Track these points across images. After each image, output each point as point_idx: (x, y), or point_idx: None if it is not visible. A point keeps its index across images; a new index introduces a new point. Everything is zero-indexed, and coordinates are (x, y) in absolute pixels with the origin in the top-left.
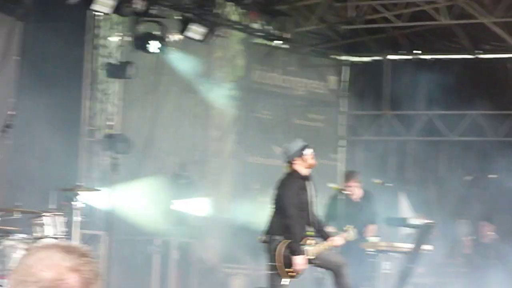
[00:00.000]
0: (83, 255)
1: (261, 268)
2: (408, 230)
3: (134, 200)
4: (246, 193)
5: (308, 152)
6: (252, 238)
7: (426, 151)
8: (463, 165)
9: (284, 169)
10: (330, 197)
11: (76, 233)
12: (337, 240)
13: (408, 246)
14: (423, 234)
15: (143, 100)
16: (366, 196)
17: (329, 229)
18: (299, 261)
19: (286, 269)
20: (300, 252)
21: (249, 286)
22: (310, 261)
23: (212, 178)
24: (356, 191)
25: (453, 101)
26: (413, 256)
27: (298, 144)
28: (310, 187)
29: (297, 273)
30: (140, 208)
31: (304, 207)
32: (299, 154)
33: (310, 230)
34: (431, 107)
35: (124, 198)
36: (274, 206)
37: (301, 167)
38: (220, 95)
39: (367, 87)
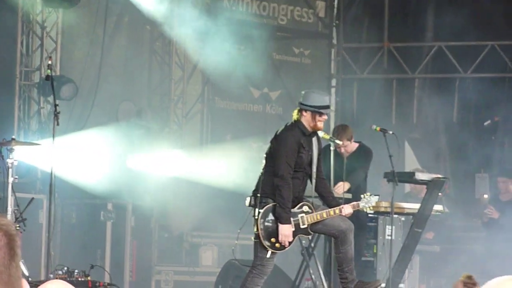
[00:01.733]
0: None
1: (235, 237)
2: (413, 187)
3: (81, 156)
4: (217, 145)
5: (324, 115)
6: (225, 201)
7: (435, 91)
8: (479, 108)
9: (294, 116)
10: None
11: (9, 196)
12: (345, 209)
13: (414, 206)
14: (432, 192)
15: (88, 33)
16: (358, 150)
17: (344, 186)
18: (283, 230)
19: (270, 239)
20: (286, 220)
21: (221, 258)
22: (306, 230)
23: (175, 128)
24: (348, 147)
25: (466, 29)
26: (420, 218)
27: (322, 98)
28: (315, 146)
29: (281, 245)
30: (89, 165)
31: (303, 167)
32: (315, 110)
33: (308, 196)
34: (440, 37)
35: (69, 154)
36: (268, 161)
37: (307, 123)
38: (184, 26)
39: (363, 14)
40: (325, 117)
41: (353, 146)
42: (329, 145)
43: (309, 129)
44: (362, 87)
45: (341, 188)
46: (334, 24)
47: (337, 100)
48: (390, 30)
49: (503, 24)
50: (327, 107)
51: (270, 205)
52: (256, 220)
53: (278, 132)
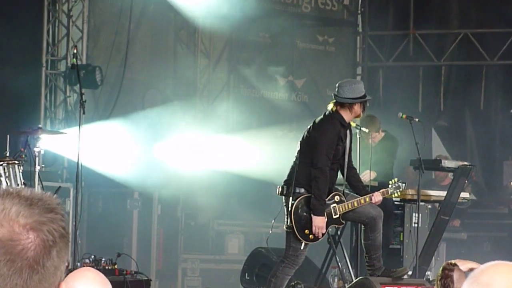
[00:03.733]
0: (47, 210)
1: (261, 225)
2: (437, 175)
3: (108, 144)
4: (243, 134)
5: (361, 104)
6: (251, 189)
7: (461, 78)
8: (507, 95)
9: (329, 107)
10: None
11: (36, 186)
12: (375, 197)
13: (441, 194)
14: (458, 179)
15: (114, 22)
16: (384, 139)
17: (371, 175)
18: (317, 222)
19: (304, 231)
20: (320, 212)
21: (248, 246)
22: (339, 220)
23: (201, 116)
24: (376, 138)
25: (492, 16)
26: (447, 206)
27: (359, 88)
28: (348, 136)
29: (315, 237)
30: (115, 154)
31: (338, 159)
32: (353, 102)
33: (339, 185)
34: (466, 24)
35: (95, 143)
36: (304, 151)
37: (346, 114)
38: (209, 15)
39: (388, 1)
40: (366, 104)
41: (380, 135)
42: (355, 133)
43: (347, 120)
44: (388, 75)
45: (367, 176)
46: (359, 11)
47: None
48: (415, 17)
49: None
50: (364, 96)
51: (304, 196)
52: (290, 211)
53: (316, 121)
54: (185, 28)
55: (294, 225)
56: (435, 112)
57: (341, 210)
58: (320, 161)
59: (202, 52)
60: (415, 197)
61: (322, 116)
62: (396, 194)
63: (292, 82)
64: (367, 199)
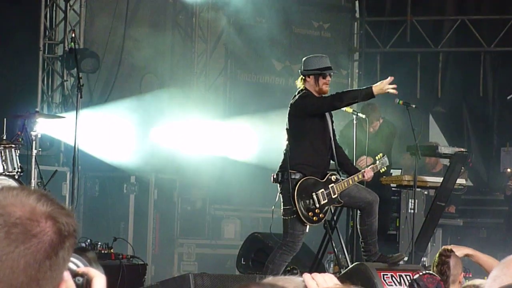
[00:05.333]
0: (63, 206)
1: (258, 210)
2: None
3: (104, 129)
4: (240, 119)
5: (327, 77)
6: (247, 174)
7: (459, 65)
8: (505, 82)
9: (298, 85)
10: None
11: (33, 169)
12: (367, 173)
13: (437, 180)
14: (455, 165)
15: (111, 6)
16: (382, 125)
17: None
18: (378, 87)
19: (308, 213)
20: (364, 89)
21: (244, 231)
22: (337, 199)
23: (199, 100)
24: (377, 126)
25: (488, 2)
26: (443, 192)
27: (321, 60)
28: (329, 116)
29: (318, 218)
30: (112, 138)
31: (321, 137)
32: (316, 73)
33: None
34: (463, 10)
35: (92, 127)
36: (291, 133)
37: (313, 88)
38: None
39: None
40: (329, 78)
41: (380, 122)
42: (352, 119)
43: (316, 94)
44: (385, 61)
45: (364, 162)
46: None
47: (360, 74)
48: (413, 4)
49: None
50: (329, 68)
51: (303, 179)
52: (292, 197)
53: (292, 103)
54: (183, 13)
55: (298, 209)
56: (432, 99)
57: (339, 189)
58: (320, 104)
59: (200, 37)
60: (412, 183)
61: (295, 97)
62: (384, 169)
63: (289, 67)
64: (360, 176)
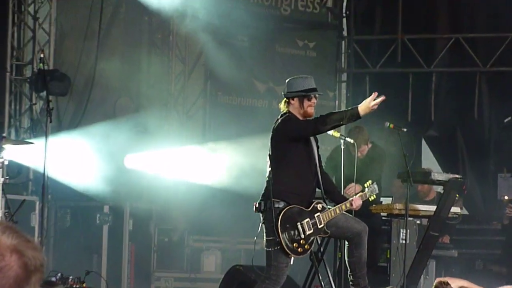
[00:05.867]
0: (31, 240)
1: (239, 241)
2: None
3: (76, 155)
4: (220, 144)
5: (312, 99)
6: (228, 203)
7: (453, 86)
8: (502, 104)
9: (282, 108)
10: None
11: (0, 198)
12: (355, 201)
13: (430, 209)
14: (449, 193)
15: (83, 25)
16: (371, 150)
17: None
18: (366, 104)
19: (293, 244)
20: (353, 109)
21: (225, 264)
22: (324, 229)
23: (176, 125)
24: (364, 151)
25: (484, 20)
26: (436, 221)
27: (306, 82)
28: (314, 142)
29: (304, 250)
30: (84, 166)
31: (306, 163)
32: (301, 94)
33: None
34: (457, 28)
35: (63, 153)
36: (274, 160)
37: (297, 111)
38: (185, 18)
39: (375, 4)
40: (314, 100)
41: (368, 147)
42: (339, 144)
43: (301, 117)
44: (375, 82)
45: (352, 190)
46: (344, 14)
47: (348, 96)
48: (404, 21)
49: None
50: (314, 89)
51: (287, 208)
52: (276, 227)
53: (274, 128)
54: (159, 31)
55: (282, 240)
56: (425, 122)
57: (325, 219)
58: (300, 128)
59: (177, 57)
60: (403, 212)
61: (278, 121)
62: (373, 197)
63: (272, 88)
64: (348, 205)
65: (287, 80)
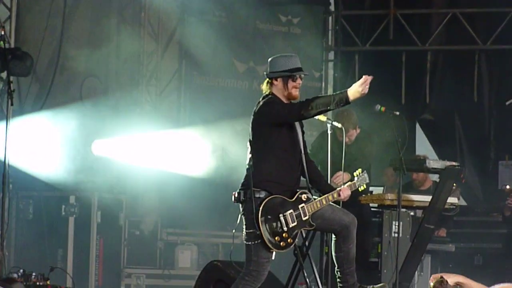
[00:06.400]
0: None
1: (217, 235)
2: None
3: (39, 141)
4: (196, 128)
5: (297, 79)
6: (205, 193)
7: (450, 65)
8: (504, 85)
9: (264, 89)
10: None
11: None
12: (343, 191)
13: (425, 199)
14: (445, 182)
15: (47, 0)
16: (359, 136)
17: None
18: (355, 87)
19: (274, 238)
20: (342, 93)
21: (201, 259)
22: (309, 221)
23: (148, 108)
24: (353, 136)
25: None
26: (432, 213)
27: (291, 61)
28: (299, 127)
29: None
30: (48, 152)
31: (290, 150)
32: (285, 74)
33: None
34: (455, 2)
35: (25, 139)
36: (255, 147)
37: (281, 93)
38: None
39: None
40: (299, 81)
41: (356, 132)
42: (326, 130)
43: (285, 100)
44: (365, 61)
45: (340, 179)
46: None
47: (336, 76)
48: None
49: None
50: (299, 69)
51: (268, 198)
52: (256, 219)
53: (255, 111)
54: (130, 7)
55: (262, 233)
56: (419, 105)
57: (310, 210)
58: (287, 111)
59: (150, 34)
60: (395, 203)
61: (259, 104)
62: (363, 187)
63: (253, 68)
64: (335, 195)
65: (269, 59)
